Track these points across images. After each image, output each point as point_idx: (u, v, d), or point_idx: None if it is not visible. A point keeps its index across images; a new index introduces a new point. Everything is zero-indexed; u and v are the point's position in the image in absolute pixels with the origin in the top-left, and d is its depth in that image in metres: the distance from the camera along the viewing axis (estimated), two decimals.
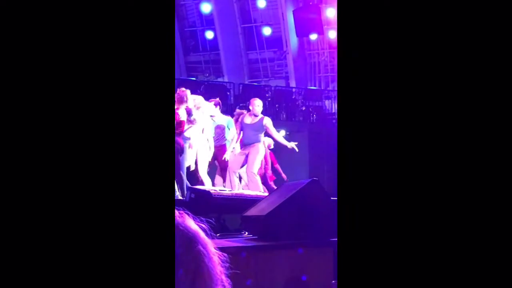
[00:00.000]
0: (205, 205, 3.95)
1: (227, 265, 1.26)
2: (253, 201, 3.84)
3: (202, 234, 1.22)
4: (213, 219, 3.74)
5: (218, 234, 3.63)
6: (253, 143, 7.80)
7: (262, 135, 7.91)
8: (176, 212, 1.25)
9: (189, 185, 7.24)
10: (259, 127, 7.81)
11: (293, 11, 14.99)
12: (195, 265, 1.18)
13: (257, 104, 7.94)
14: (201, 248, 1.20)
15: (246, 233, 3.64)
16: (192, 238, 1.20)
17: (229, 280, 1.26)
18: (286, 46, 15.72)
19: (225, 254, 1.27)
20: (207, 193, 4.08)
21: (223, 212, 3.89)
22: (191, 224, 1.23)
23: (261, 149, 7.88)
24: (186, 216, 1.24)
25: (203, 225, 1.25)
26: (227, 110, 9.52)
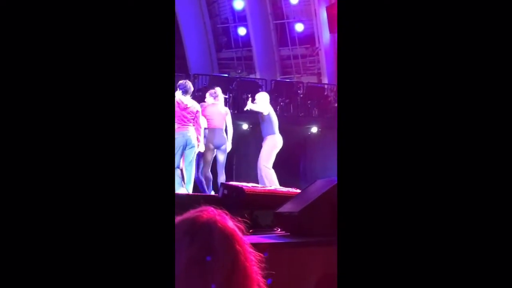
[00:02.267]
0: (238, 201, 3.95)
1: (263, 265, 1.26)
2: (286, 197, 3.82)
3: (239, 234, 1.23)
4: (246, 215, 3.75)
5: (250, 231, 3.63)
6: (266, 135, 7.84)
7: (273, 126, 7.90)
8: (217, 211, 1.25)
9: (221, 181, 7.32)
10: (263, 118, 7.84)
11: (325, 7, 14.90)
12: (232, 264, 1.19)
13: (256, 98, 8.03)
14: (239, 248, 1.21)
15: (279, 229, 3.62)
16: (230, 237, 1.20)
17: (264, 280, 1.26)
18: (319, 42, 15.63)
19: (261, 254, 1.27)
20: (240, 189, 4.08)
21: (256, 208, 3.88)
22: (229, 223, 1.24)
23: (270, 141, 7.85)
24: (226, 216, 1.25)
25: (239, 225, 1.25)
26: None
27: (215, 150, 7.78)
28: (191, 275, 1.17)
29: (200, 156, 7.87)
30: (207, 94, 8.04)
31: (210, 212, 1.26)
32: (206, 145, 7.65)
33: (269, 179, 7.71)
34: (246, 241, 1.24)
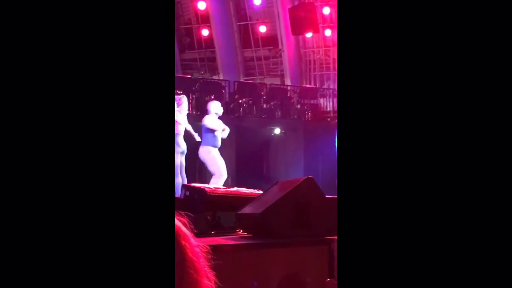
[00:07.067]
0: (199, 202, 3.94)
1: (209, 256, 1.27)
2: (248, 198, 3.82)
3: (183, 228, 1.24)
4: (208, 217, 3.73)
5: (212, 232, 3.62)
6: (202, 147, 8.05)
7: (212, 135, 8.06)
8: None
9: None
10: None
11: (288, 9, 14.99)
12: (181, 260, 1.19)
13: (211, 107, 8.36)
14: (185, 243, 1.21)
15: (241, 231, 3.63)
16: (176, 234, 1.21)
17: (212, 272, 1.27)
18: (282, 44, 15.71)
19: (207, 246, 1.28)
20: (201, 190, 4.07)
21: (218, 210, 3.87)
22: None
23: (204, 153, 8.02)
24: None
25: (183, 219, 1.26)
26: (222, 107, 9.55)
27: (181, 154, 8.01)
28: None
29: None
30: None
31: None
32: (176, 150, 7.86)
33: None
34: (191, 234, 1.25)
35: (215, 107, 8.35)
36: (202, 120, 8.20)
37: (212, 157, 8.02)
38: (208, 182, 7.94)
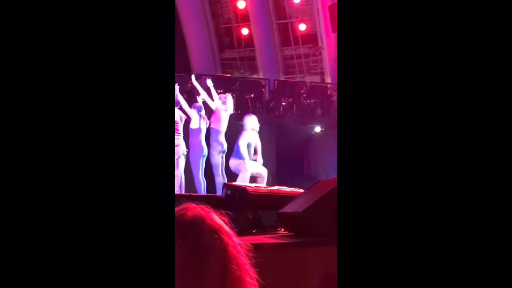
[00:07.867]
0: (241, 201, 3.97)
1: (251, 255, 1.28)
2: (289, 197, 3.83)
3: (225, 227, 1.25)
4: (250, 215, 3.75)
5: (254, 231, 3.64)
6: None
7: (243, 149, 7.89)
8: (200, 207, 1.27)
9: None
10: None
11: (328, 6, 14.89)
12: (224, 257, 1.21)
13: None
14: (228, 240, 1.23)
15: (282, 229, 3.64)
16: (218, 232, 1.23)
17: (254, 269, 1.28)
18: (321, 42, 15.62)
19: (249, 244, 1.29)
20: (243, 189, 4.10)
21: (259, 209, 3.89)
22: (215, 218, 1.26)
23: (234, 165, 7.90)
24: (210, 210, 1.27)
25: (224, 218, 1.28)
26: (262, 106, 9.55)
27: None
28: (186, 273, 1.19)
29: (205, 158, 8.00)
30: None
31: (194, 209, 1.27)
32: (217, 148, 7.80)
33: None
34: (232, 233, 1.26)
35: (252, 123, 8.08)
36: (239, 138, 8.01)
37: (243, 170, 7.89)
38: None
